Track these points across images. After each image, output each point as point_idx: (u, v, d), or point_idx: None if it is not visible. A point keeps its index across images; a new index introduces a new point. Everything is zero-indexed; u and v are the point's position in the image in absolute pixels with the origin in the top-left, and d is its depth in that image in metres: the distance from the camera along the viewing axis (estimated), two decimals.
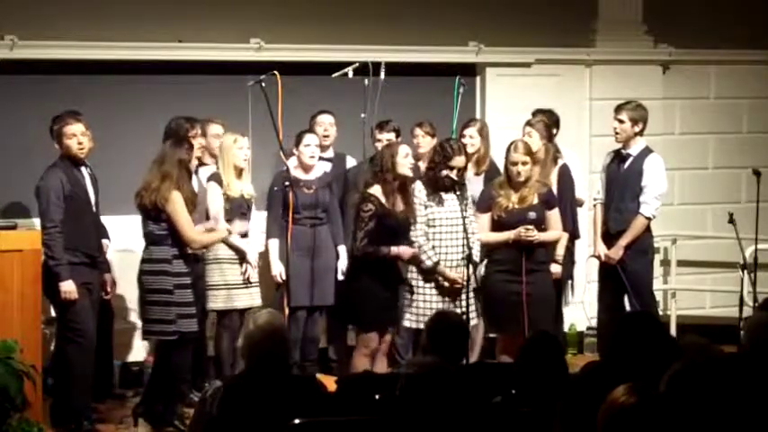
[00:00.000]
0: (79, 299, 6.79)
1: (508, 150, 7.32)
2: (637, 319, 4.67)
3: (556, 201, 7.51)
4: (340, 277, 7.80)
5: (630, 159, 7.87)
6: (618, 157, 7.95)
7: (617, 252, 7.81)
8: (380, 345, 7.24)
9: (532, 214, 7.25)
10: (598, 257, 7.98)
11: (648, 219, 7.83)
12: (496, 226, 7.28)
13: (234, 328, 7.37)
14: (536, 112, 8.15)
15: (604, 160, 8.15)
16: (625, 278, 7.79)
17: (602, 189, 8.04)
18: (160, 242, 6.83)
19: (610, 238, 7.90)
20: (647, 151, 7.90)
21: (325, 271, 7.81)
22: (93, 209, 7.00)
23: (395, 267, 7.21)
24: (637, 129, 7.83)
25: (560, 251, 7.62)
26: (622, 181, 7.88)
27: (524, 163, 7.24)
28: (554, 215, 7.41)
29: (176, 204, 6.76)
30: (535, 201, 7.30)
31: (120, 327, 8.04)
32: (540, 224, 7.28)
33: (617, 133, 7.88)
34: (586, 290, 8.35)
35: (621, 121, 7.84)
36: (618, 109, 7.92)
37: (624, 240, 7.80)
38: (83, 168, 6.95)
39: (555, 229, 7.43)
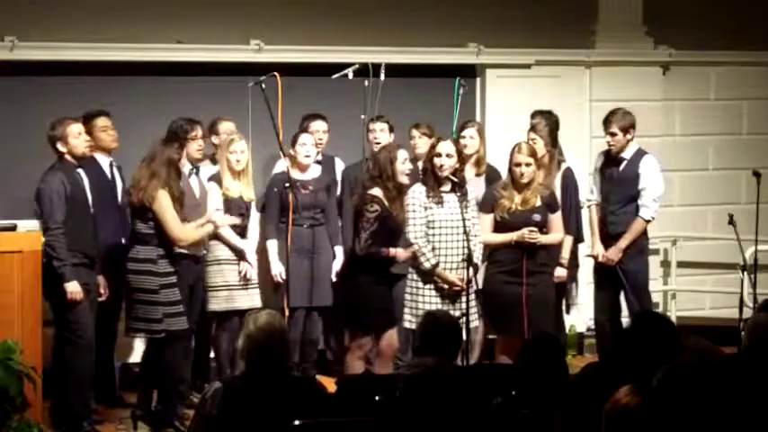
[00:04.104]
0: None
1: (512, 152, 7.33)
2: (650, 320, 4.69)
3: (558, 204, 7.52)
4: (333, 278, 7.81)
5: (625, 163, 7.94)
6: (612, 160, 8.00)
7: (616, 254, 7.85)
8: (382, 347, 7.22)
9: (537, 216, 7.25)
10: (594, 258, 8.01)
11: (648, 221, 7.89)
12: (499, 227, 7.28)
13: (233, 330, 7.37)
14: (535, 114, 8.15)
15: (596, 161, 8.20)
16: (624, 278, 7.84)
17: (596, 190, 8.09)
18: (147, 242, 6.84)
19: (608, 239, 7.94)
20: (640, 153, 7.97)
21: (324, 272, 7.82)
22: (91, 210, 7.01)
23: (390, 268, 7.19)
24: (629, 136, 7.92)
25: (566, 254, 7.64)
26: (618, 184, 7.95)
27: (528, 164, 7.24)
28: (556, 218, 7.42)
29: (162, 203, 6.76)
30: (538, 203, 7.31)
31: (120, 327, 8.03)
32: (543, 227, 7.28)
33: (611, 145, 7.94)
34: (587, 291, 8.36)
35: (614, 134, 7.90)
36: (606, 122, 7.96)
37: (623, 242, 7.85)
38: (80, 170, 6.96)
39: (556, 232, 7.43)
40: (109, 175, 7.49)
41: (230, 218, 7.40)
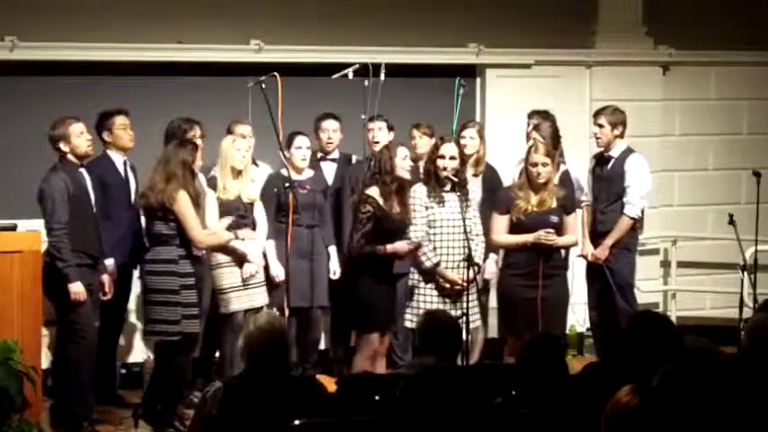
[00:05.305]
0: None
1: (528, 151, 7.33)
2: (650, 320, 4.70)
3: (573, 206, 7.54)
4: (332, 277, 7.82)
5: (612, 161, 8.04)
6: (601, 159, 8.09)
7: (603, 252, 7.96)
8: (379, 346, 7.24)
9: (554, 218, 7.25)
10: (585, 257, 8.08)
11: (633, 219, 7.96)
12: (515, 228, 7.27)
13: (237, 330, 7.35)
14: (532, 113, 8.17)
15: (590, 163, 8.29)
16: (610, 276, 7.93)
17: (589, 191, 8.16)
18: (168, 242, 6.84)
19: (597, 238, 8.04)
20: (628, 152, 8.05)
21: (323, 272, 7.83)
22: (94, 209, 7.01)
23: (392, 267, 7.19)
24: (617, 132, 8.00)
25: None
26: (605, 182, 8.04)
27: (544, 164, 7.24)
28: (571, 220, 7.43)
29: (183, 204, 6.77)
30: (554, 204, 7.30)
31: (125, 328, 8.03)
32: (559, 228, 7.28)
33: (598, 138, 8.07)
34: (583, 291, 8.37)
35: (601, 126, 8.03)
36: (596, 114, 8.12)
37: (610, 240, 7.95)
38: (82, 170, 6.96)
39: (571, 234, 7.45)
40: (123, 174, 7.48)
41: (251, 233, 7.40)
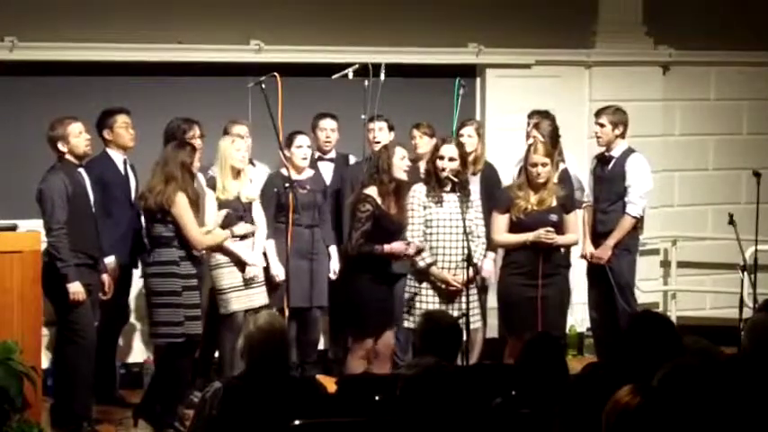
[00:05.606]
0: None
1: (528, 151, 7.34)
2: (650, 320, 4.70)
3: (573, 204, 7.54)
4: (332, 277, 7.83)
5: (613, 161, 8.06)
6: (602, 159, 8.10)
7: (605, 252, 7.96)
8: (379, 347, 7.23)
9: (554, 217, 7.26)
10: (585, 257, 8.09)
11: (635, 218, 7.98)
12: (515, 227, 7.27)
13: (238, 331, 7.34)
14: (532, 113, 8.18)
15: (591, 163, 8.31)
16: (611, 276, 7.95)
17: (590, 191, 8.19)
18: (168, 244, 6.84)
19: (598, 238, 8.05)
20: (628, 152, 8.08)
21: (323, 272, 7.84)
22: (93, 209, 7.01)
23: (390, 267, 7.19)
24: (617, 132, 8.03)
25: None
26: (606, 182, 8.06)
27: (544, 164, 7.25)
28: (571, 219, 7.44)
29: (181, 207, 6.77)
30: (554, 203, 7.31)
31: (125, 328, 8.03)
32: (559, 227, 7.29)
33: (598, 137, 8.09)
34: (584, 291, 8.38)
35: (602, 125, 8.06)
36: (598, 114, 8.14)
37: (612, 240, 7.97)
38: (81, 170, 6.96)
39: (572, 233, 7.45)
40: (123, 173, 7.48)
41: (248, 226, 7.40)
